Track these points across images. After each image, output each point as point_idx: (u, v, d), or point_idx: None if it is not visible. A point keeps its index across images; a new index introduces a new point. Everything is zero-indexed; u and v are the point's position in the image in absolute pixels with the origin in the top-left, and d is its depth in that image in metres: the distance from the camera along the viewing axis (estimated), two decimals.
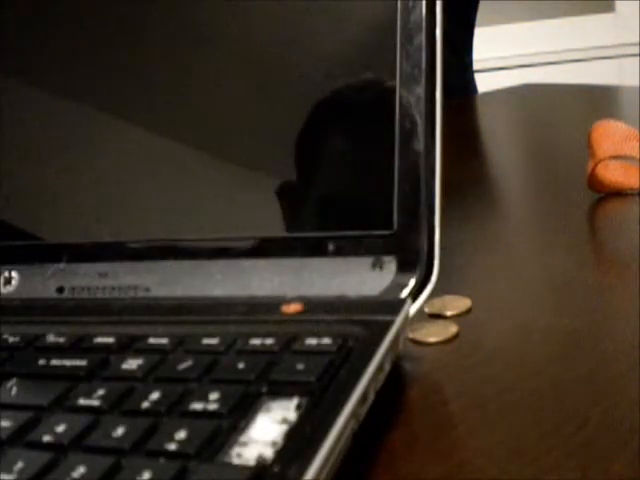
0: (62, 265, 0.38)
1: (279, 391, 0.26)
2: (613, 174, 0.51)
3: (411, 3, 0.33)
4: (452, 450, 0.27)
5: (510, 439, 0.27)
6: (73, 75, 0.41)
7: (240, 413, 0.25)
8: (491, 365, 0.32)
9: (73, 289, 0.38)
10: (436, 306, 0.37)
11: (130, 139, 0.40)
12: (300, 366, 0.27)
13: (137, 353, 0.30)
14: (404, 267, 0.33)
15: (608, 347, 0.32)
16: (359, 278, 0.33)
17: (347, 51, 0.36)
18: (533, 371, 0.31)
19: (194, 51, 0.38)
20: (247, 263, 0.35)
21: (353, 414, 0.25)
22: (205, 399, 0.26)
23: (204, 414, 0.26)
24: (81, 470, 0.24)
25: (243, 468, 0.23)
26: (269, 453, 0.23)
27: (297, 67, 0.36)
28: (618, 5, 2.00)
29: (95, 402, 0.27)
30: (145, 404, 0.27)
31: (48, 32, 0.42)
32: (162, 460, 0.24)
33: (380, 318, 0.30)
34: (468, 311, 0.36)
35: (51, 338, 0.33)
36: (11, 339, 0.33)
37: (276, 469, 0.23)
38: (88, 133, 0.40)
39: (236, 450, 0.24)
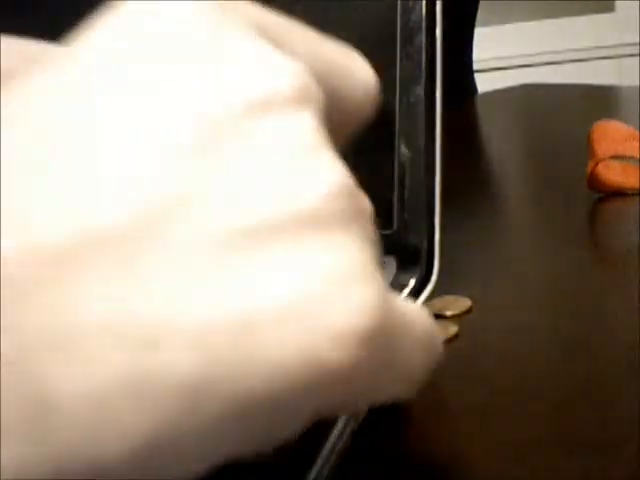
0: None
1: None
2: (613, 174, 0.51)
3: (411, 3, 0.33)
4: (452, 450, 0.27)
5: (510, 439, 0.27)
6: None
7: None
8: (491, 365, 0.32)
9: None
10: (436, 306, 0.37)
11: None
12: None
13: None
14: (404, 267, 0.32)
15: (608, 347, 0.32)
16: None
17: None
18: (533, 371, 0.31)
19: None
20: None
21: (353, 414, 0.25)
22: None
23: None
24: None
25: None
26: (269, 452, 0.23)
27: None
28: (618, 5, 2.00)
29: None
30: None
31: (50, 32, 0.42)
32: None
33: None
34: (468, 311, 0.36)
35: None
36: None
37: (276, 469, 0.23)
38: None
39: None
